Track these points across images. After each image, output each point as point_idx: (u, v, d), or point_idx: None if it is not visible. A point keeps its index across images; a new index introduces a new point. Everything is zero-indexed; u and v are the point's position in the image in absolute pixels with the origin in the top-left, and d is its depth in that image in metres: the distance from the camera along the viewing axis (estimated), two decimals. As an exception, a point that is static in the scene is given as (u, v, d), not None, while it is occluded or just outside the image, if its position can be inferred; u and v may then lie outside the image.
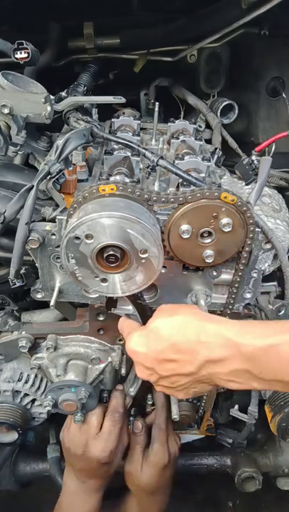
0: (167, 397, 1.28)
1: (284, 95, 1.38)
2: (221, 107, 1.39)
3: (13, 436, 1.25)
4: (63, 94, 1.19)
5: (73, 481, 1.26)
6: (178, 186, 1.05)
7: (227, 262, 1.00)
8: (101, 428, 1.21)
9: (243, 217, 0.91)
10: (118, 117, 1.33)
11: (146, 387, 1.29)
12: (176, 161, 1.05)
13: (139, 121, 1.31)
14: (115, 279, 0.93)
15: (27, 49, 1.04)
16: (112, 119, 1.32)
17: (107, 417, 1.22)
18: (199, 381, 0.85)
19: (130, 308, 1.07)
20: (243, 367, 0.77)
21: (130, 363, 1.24)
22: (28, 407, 1.26)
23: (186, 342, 0.82)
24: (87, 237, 0.86)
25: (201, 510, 2.03)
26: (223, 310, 1.08)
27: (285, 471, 1.53)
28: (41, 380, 1.25)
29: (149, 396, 1.35)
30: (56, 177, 0.95)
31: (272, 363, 0.75)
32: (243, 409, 1.32)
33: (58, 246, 0.96)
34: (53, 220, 0.96)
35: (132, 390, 1.27)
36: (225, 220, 0.91)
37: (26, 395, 1.24)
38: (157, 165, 0.98)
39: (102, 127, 1.12)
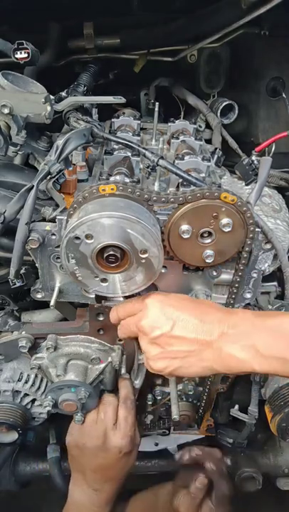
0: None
1: (284, 95, 1.38)
2: (221, 107, 1.39)
3: (13, 436, 1.25)
4: (63, 94, 1.19)
5: (84, 492, 1.19)
6: (178, 186, 1.05)
7: (227, 262, 1.00)
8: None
9: (243, 218, 0.91)
10: (118, 117, 1.33)
11: (147, 387, 1.29)
12: (176, 161, 1.06)
13: (139, 121, 1.31)
14: (115, 279, 0.93)
15: (27, 49, 1.04)
16: (112, 119, 1.32)
17: (121, 406, 1.19)
18: (198, 357, 0.87)
19: (121, 299, 1.07)
20: (250, 342, 0.82)
21: (132, 358, 1.23)
22: (28, 407, 1.26)
23: (211, 317, 0.88)
24: (87, 237, 0.86)
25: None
26: (223, 310, 1.08)
27: (285, 471, 1.53)
28: (41, 380, 1.25)
29: (149, 396, 1.35)
30: (56, 177, 0.95)
31: (280, 339, 0.82)
32: (243, 409, 1.32)
33: (58, 246, 0.96)
34: (53, 220, 0.96)
35: (138, 383, 1.25)
36: (225, 220, 0.91)
37: (26, 395, 1.24)
38: (157, 165, 0.98)
39: (102, 127, 1.12)
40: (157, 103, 1.22)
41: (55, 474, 1.48)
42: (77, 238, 0.87)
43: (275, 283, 1.25)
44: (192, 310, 0.90)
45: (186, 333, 0.87)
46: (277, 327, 0.83)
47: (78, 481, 1.21)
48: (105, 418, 1.17)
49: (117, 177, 1.01)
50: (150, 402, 1.35)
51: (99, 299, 1.06)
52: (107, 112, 1.38)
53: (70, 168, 1.02)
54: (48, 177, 0.94)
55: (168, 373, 0.92)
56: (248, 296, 1.07)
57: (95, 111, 1.24)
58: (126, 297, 1.04)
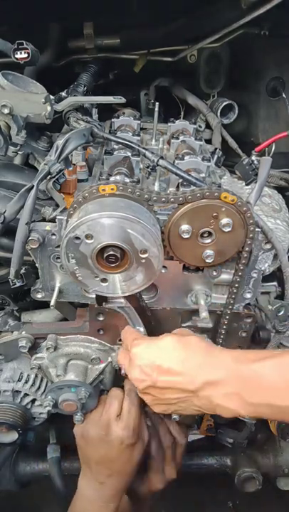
0: None
1: (284, 95, 1.38)
2: (221, 107, 1.39)
3: (13, 436, 1.25)
4: (63, 94, 1.19)
5: (90, 485, 1.19)
6: (178, 186, 1.05)
7: (227, 262, 1.01)
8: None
9: (243, 217, 0.91)
10: (118, 117, 1.33)
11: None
12: (176, 161, 1.05)
13: (139, 121, 1.31)
14: (115, 279, 0.93)
15: (27, 49, 1.04)
16: (112, 119, 1.32)
17: (125, 398, 1.18)
18: (190, 403, 0.89)
19: (122, 301, 1.07)
20: (235, 390, 0.83)
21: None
22: (28, 407, 1.25)
23: (192, 362, 0.88)
24: (87, 237, 0.86)
25: (201, 510, 2.03)
26: (223, 310, 1.08)
27: (285, 471, 1.53)
28: (41, 380, 1.25)
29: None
30: (56, 177, 0.95)
31: (261, 385, 0.82)
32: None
33: (58, 246, 0.96)
34: (53, 220, 0.96)
35: None
36: (225, 220, 0.91)
37: (26, 395, 1.24)
38: (157, 165, 0.98)
39: (102, 127, 1.12)
40: (157, 103, 1.22)
41: (55, 474, 1.48)
42: (77, 238, 0.87)
43: (275, 283, 1.25)
44: (172, 357, 0.90)
45: (170, 384, 0.89)
46: (258, 373, 0.83)
47: (85, 472, 1.21)
48: (110, 409, 1.17)
49: (117, 177, 1.01)
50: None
51: (100, 300, 1.06)
52: (107, 112, 1.38)
53: (70, 168, 1.02)
54: (48, 177, 0.94)
55: (171, 412, 0.97)
56: (248, 296, 1.07)
57: (95, 111, 1.24)
58: (126, 297, 1.04)
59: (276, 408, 0.82)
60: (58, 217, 0.95)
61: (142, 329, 1.10)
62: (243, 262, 0.99)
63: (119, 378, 1.27)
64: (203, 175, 1.07)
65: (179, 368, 0.88)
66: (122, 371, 1.03)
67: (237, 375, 0.84)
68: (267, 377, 0.82)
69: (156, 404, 0.95)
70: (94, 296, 1.02)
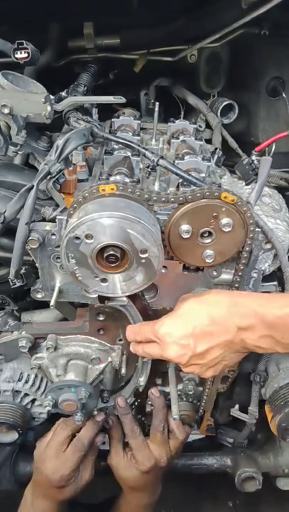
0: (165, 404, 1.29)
1: (284, 95, 1.38)
2: (221, 107, 1.39)
3: (13, 436, 1.25)
4: (63, 94, 1.19)
5: (29, 491, 1.29)
6: (178, 186, 1.05)
7: (227, 261, 1.01)
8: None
9: (243, 217, 0.91)
10: (118, 117, 1.33)
11: (149, 387, 1.29)
12: (177, 161, 1.06)
13: (139, 121, 1.31)
14: (115, 279, 0.93)
15: (27, 49, 1.04)
16: (112, 119, 1.32)
17: (71, 443, 1.24)
18: (232, 350, 0.92)
19: (124, 299, 1.07)
20: (267, 333, 0.87)
21: (135, 359, 1.23)
22: (28, 407, 1.25)
23: (220, 314, 0.90)
24: (87, 237, 0.86)
25: (201, 510, 2.03)
26: (223, 310, 1.08)
27: (285, 471, 1.53)
28: (41, 380, 1.25)
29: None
30: (56, 177, 0.95)
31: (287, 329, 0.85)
32: (244, 409, 1.32)
33: (58, 246, 0.96)
34: (53, 220, 0.96)
35: (142, 380, 1.25)
36: (225, 220, 0.91)
37: (26, 394, 1.24)
38: (157, 165, 0.98)
39: (102, 127, 1.12)
40: (157, 103, 1.22)
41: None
42: (77, 238, 0.87)
43: (275, 283, 1.24)
44: (199, 319, 0.91)
45: (209, 344, 0.91)
46: (283, 318, 0.86)
47: (30, 483, 1.31)
48: (53, 445, 1.23)
49: (117, 177, 1.01)
50: (150, 402, 1.35)
51: (102, 299, 1.06)
52: (107, 112, 1.38)
53: (70, 168, 1.02)
54: (48, 177, 0.94)
55: (221, 371, 0.99)
56: (248, 296, 1.07)
57: (95, 111, 1.24)
58: (129, 297, 1.04)
59: None
60: (58, 217, 0.95)
61: None
62: (243, 261, 0.99)
63: (119, 378, 1.27)
64: (203, 175, 1.07)
65: (209, 326, 0.90)
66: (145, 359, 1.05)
67: (265, 321, 0.86)
68: None
69: (205, 371, 0.96)
70: (94, 296, 1.02)
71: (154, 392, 1.28)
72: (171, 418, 1.27)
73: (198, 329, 0.90)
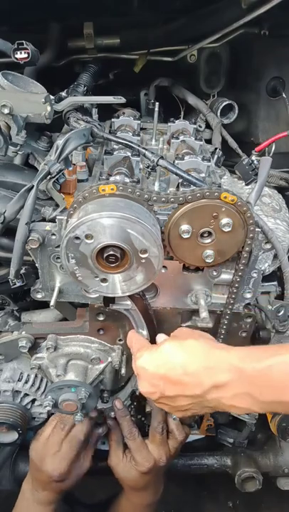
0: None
1: (284, 95, 1.38)
2: (221, 107, 1.40)
3: (13, 436, 1.25)
4: (63, 94, 1.19)
5: (29, 488, 1.30)
6: (178, 186, 1.05)
7: (227, 262, 1.00)
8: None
9: (243, 217, 0.91)
10: (118, 117, 1.33)
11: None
12: (176, 161, 1.05)
13: (139, 121, 1.31)
14: (115, 279, 0.93)
15: (27, 49, 1.04)
16: (112, 119, 1.32)
17: (66, 440, 1.25)
18: (201, 405, 0.88)
19: (128, 303, 1.07)
20: (244, 390, 0.81)
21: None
22: (28, 407, 1.26)
23: (195, 366, 0.86)
24: (87, 237, 0.86)
25: (201, 510, 2.03)
26: (223, 310, 1.08)
27: (285, 471, 1.53)
28: (41, 380, 1.25)
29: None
30: (56, 177, 0.95)
31: (270, 384, 0.79)
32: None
33: (58, 246, 0.96)
34: (53, 220, 0.96)
35: None
36: (225, 220, 0.91)
37: (26, 395, 1.24)
38: (157, 165, 0.98)
39: (102, 127, 1.12)
40: (157, 103, 1.22)
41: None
42: (77, 238, 0.87)
43: (275, 283, 1.25)
44: (174, 365, 0.88)
45: (178, 392, 0.88)
46: (265, 372, 0.80)
47: (28, 478, 1.32)
48: (50, 444, 1.25)
49: (117, 177, 1.01)
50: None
51: (107, 302, 1.07)
52: (107, 112, 1.38)
53: (70, 168, 1.02)
54: (48, 177, 0.94)
55: (192, 416, 0.99)
56: (248, 296, 1.07)
57: (95, 111, 1.24)
58: (129, 297, 1.04)
59: (287, 404, 0.79)
60: (58, 217, 0.95)
61: (144, 332, 1.11)
62: (243, 261, 0.99)
63: (119, 378, 1.27)
64: (203, 175, 1.07)
65: (182, 376, 0.87)
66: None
67: (244, 376, 0.81)
68: (274, 375, 0.79)
69: (175, 412, 0.95)
70: (94, 296, 1.02)
71: None
72: (170, 418, 1.28)
73: (169, 375, 0.88)
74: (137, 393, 1.29)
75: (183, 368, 0.86)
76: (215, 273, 1.05)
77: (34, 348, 1.20)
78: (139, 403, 1.35)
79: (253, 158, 1.07)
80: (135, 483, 1.30)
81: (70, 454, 1.24)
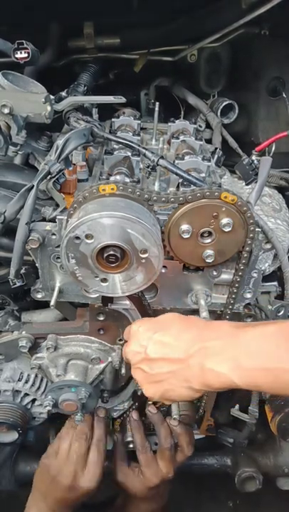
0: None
1: (284, 95, 1.38)
2: (221, 107, 1.39)
3: (13, 436, 1.25)
4: (63, 94, 1.19)
5: (41, 509, 1.23)
6: (178, 186, 1.05)
7: (227, 261, 1.00)
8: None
9: (243, 217, 0.91)
10: (118, 117, 1.33)
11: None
12: (177, 161, 1.05)
13: (139, 121, 1.31)
14: (115, 279, 0.93)
15: (27, 49, 1.04)
16: (112, 119, 1.32)
17: (92, 449, 1.24)
18: (180, 376, 0.85)
19: (127, 303, 1.07)
20: (230, 354, 0.78)
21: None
22: (29, 406, 1.25)
23: (189, 335, 0.86)
24: (88, 237, 0.86)
25: (201, 510, 2.03)
26: (224, 310, 1.08)
27: (285, 471, 1.53)
28: (41, 380, 1.25)
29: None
30: (56, 177, 0.95)
31: (260, 350, 0.76)
32: (244, 409, 1.32)
33: (58, 246, 0.96)
34: (53, 220, 0.96)
35: None
36: (225, 220, 0.91)
37: (26, 394, 1.24)
38: (157, 165, 0.98)
39: (102, 127, 1.12)
40: (157, 103, 1.22)
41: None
42: (78, 238, 0.87)
43: (275, 283, 1.24)
44: (169, 330, 0.89)
45: (162, 354, 0.87)
46: (258, 337, 0.77)
47: (38, 500, 1.24)
48: (76, 456, 1.21)
49: (117, 177, 1.01)
50: (150, 402, 1.35)
51: (106, 301, 1.07)
52: (107, 112, 1.38)
53: (70, 168, 1.02)
54: (48, 177, 0.94)
55: (159, 398, 0.93)
56: (248, 296, 1.07)
57: (95, 111, 1.24)
58: (128, 297, 1.04)
59: (271, 372, 0.75)
60: (58, 217, 0.95)
61: None
62: (243, 261, 0.99)
63: (119, 378, 1.27)
64: (203, 175, 1.07)
65: (172, 340, 0.87)
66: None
67: (233, 339, 0.79)
68: (265, 341, 0.76)
69: (147, 383, 0.92)
70: (94, 296, 1.02)
71: (150, 409, 1.28)
72: (180, 432, 1.27)
73: (160, 337, 0.88)
74: (139, 393, 1.29)
75: (176, 334, 0.87)
76: (215, 273, 1.05)
77: (34, 347, 1.20)
78: (140, 403, 1.34)
79: (253, 158, 1.07)
80: (142, 495, 1.30)
81: (100, 459, 1.23)
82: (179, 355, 0.85)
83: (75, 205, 0.90)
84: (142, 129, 1.33)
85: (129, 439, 1.34)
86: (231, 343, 0.80)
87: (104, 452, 1.25)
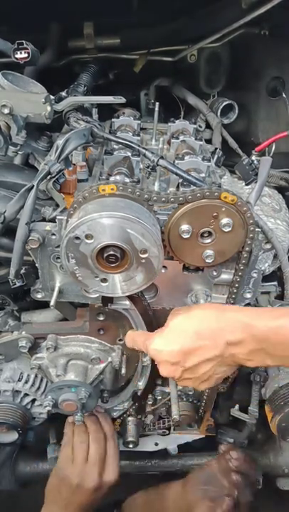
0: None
1: (284, 95, 1.38)
2: (221, 107, 1.39)
3: (13, 436, 1.25)
4: (63, 94, 1.19)
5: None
6: (178, 186, 1.05)
7: (227, 261, 1.01)
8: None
9: (243, 217, 0.91)
10: (118, 117, 1.33)
11: (149, 387, 1.29)
12: (177, 161, 1.06)
13: (139, 121, 1.31)
14: (115, 279, 0.93)
15: (27, 49, 1.04)
16: (112, 119, 1.32)
17: (109, 442, 1.26)
18: (222, 363, 0.91)
19: (127, 303, 1.07)
20: (258, 347, 0.85)
21: (135, 359, 1.24)
22: (28, 407, 1.25)
23: (208, 329, 0.89)
24: (87, 237, 0.86)
25: (201, 510, 2.03)
26: (223, 310, 1.08)
27: (285, 471, 1.53)
28: (41, 380, 1.25)
29: (150, 396, 1.35)
30: (56, 177, 0.95)
31: (282, 341, 0.83)
32: (244, 409, 1.32)
33: (58, 246, 0.96)
34: (53, 220, 0.96)
35: (141, 384, 1.26)
36: (225, 220, 0.91)
37: (26, 395, 1.24)
38: (157, 165, 0.98)
39: (102, 127, 1.12)
40: (157, 103, 1.22)
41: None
42: (77, 238, 0.87)
43: (275, 283, 1.25)
44: (187, 335, 0.90)
45: (198, 359, 0.90)
46: (275, 329, 0.84)
47: (50, 509, 1.26)
48: (99, 457, 1.24)
49: (117, 177, 1.01)
50: (150, 402, 1.35)
51: (105, 301, 1.07)
52: (107, 112, 1.38)
53: (70, 168, 1.02)
54: (48, 177, 0.94)
55: (215, 383, 0.97)
56: (248, 296, 1.07)
57: (95, 111, 1.24)
58: (129, 297, 1.04)
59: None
60: (58, 217, 0.95)
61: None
62: (243, 261, 0.99)
63: (119, 378, 1.27)
64: (203, 175, 1.07)
65: (197, 341, 0.89)
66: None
67: (256, 333, 0.85)
68: (284, 332, 0.83)
69: (199, 384, 0.96)
70: (94, 296, 1.02)
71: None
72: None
73: (186, 346, 0.89)
74: (139, 394, 1.29)
75: (197, 334, 0.89)
76: (215, 273, 1.05)
77: (34, 348, 1.20)
78: (140, 404, 1.35)
79: (253, 158, 1.07)
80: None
81: (117, 451, 1.27)
82: (213, 352, 0.88)
83: (75, 205, 0.90)
84: (141, 129, 1.33)
85: (130, 439, 1.34)
86: (254, 337, 0.85)
87: (104, 446, 1.27)
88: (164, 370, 0.94)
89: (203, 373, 0.92)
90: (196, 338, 0.89)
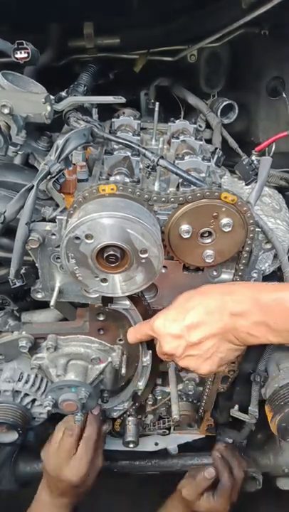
0: None
1: (284, 95, 1.38)
2: (221, 107, 1.40)
3: (13, 436, 1.25)
4: (63, 94, 1.19)
5: (46, 494, 1.33)
6: (178, 186, 1.05)
7: (227, 261, 1.01)
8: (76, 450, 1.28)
9: (243, 217, 0.91)
10: (118, 117, 1.33)
11: (149, 387, 1.29)
12: (177, 161, 1.05)
13: (139, 121, 1.31)
14: (115, 279, 0.93)
15: (27, 49, 1.04)
16: (112, 119, 1.32)
17: (82, 442, 1.27)
18: (225, 338, 0.91)
19: (127, 303, 1.07)
20: (260, 319, 0.86)
21: (135, 359, 1.23)
22: (29, 407, 1.25)
23: (213, 302, 0.90)
24: (87, 237, 0.86)
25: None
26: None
27: (285, 471, 1.53)
28: (41, 380, 1.25)
29: (150, 396, 1.35)
30: (56, 177, 0.95)
31: (285, 314, 0.85)
32: (243, 409, 1.32)
33: (58, 246, 0.96)
34: (53, 220, 0.96)
35: (141, 384, 1.26)
36: (225, 220, 0.91)
37: (26, 395, 1.24)
38: (157, 165, 0.98)
39: (102, 127, 1.12)
40: (157, 103, 1.22)
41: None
42: (77, 238, 0.87)
43: (275, 283, 1.24)
44: (194, 309, 0.91)
45: (203, 334, 0.90)
46: (279, 301, 0.85)
47: (44, 484, 1.35)
48: (63, 451, 1.27)
49: (117, 177, 1.01)
50: (150, 402, 1.35)
51: (105, 301, 1.07)
52: (107, 112, 1.38)
53: (70, 168, 1.02)
54: (48, 177, 0.94)
55: (216, 369, 0.97)
56: (248, 296, 1.07)
57: (95, 111, 1.24)
58: (129, 297, 1.04)
59: None
60: (58, 217, 0.95)
61: None
62: (243, 261, 0.99)
63: (119, 378, 1.27)
64: (203, 175, 1.07)
65: (203, 315, 0.90)
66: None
67: (260, 305, 0.86)
68: (288, 304, 0.84)
69: (201, 364, 0.95)
70: (94, 296, 1.02)
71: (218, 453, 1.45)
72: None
73: (191, 318, 0.90)
74: (139, 394, 1.29)
75: (203, 307, 0.90)
76: (215, 273, 1.05)
77: (34, 348, 1.20)
78: (140, 404, 1.35)
79: (253, 158, 1.07)
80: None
81: (86, 456, 1.27)
82: (217, 326, 0.89)
83: (75, 205, 0.90)
84: (141, 129, 1.33)
85: (130, 439, 1.34)
86: (259, 308, 0.86)
87: (92, 449, 1.27)
88: (166, 345, 0.94)
89: (207, 349, 0.92)
90: (202, 311, 0.90)
